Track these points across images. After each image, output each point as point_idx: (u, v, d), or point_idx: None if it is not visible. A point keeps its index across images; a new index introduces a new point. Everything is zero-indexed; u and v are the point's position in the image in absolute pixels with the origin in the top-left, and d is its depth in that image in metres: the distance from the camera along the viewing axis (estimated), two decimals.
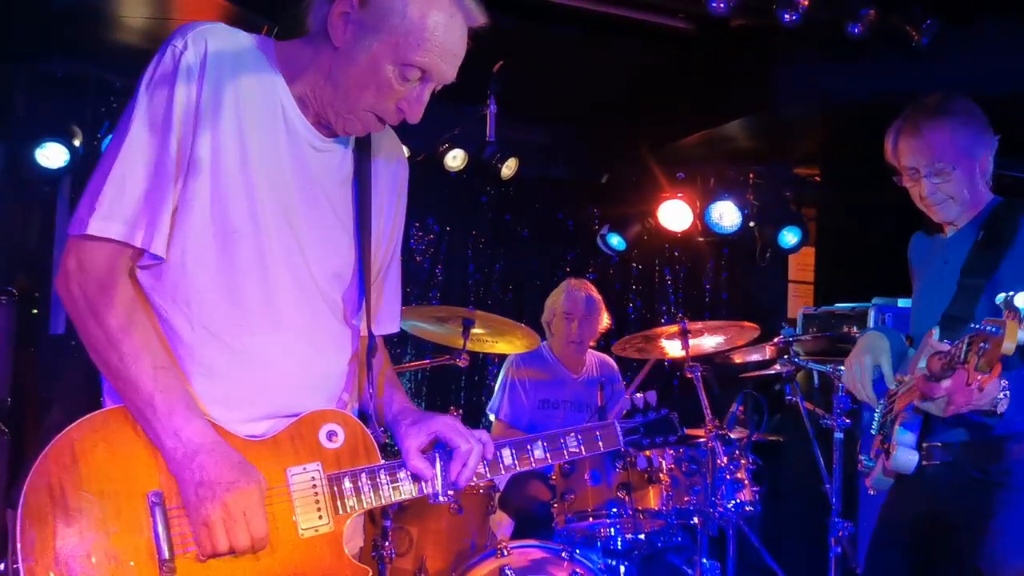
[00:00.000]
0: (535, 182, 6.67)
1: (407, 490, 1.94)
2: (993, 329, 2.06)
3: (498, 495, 4.34)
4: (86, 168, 5.21)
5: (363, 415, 2.05)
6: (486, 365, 6.47)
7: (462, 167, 6.05)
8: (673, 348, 4.30)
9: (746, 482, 4.03)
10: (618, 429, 2.18)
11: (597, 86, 5.83)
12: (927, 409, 2.40)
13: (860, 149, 6.29)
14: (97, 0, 4.49)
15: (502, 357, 5.17)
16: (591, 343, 5.13)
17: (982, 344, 2.10)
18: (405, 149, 5.55)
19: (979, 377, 2.13)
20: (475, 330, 4.03)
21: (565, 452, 2.11)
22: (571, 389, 5.04)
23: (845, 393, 4.18)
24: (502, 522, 4.64)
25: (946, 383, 2.25)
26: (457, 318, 3.95)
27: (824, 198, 6.94)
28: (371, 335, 2.09)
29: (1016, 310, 2.05)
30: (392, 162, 2.10)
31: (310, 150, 1.90)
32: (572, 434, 2.13)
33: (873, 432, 2.71)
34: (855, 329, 4.78)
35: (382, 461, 1.94)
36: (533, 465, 2.08)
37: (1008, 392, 2.31)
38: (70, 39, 4.83)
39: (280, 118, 1.86)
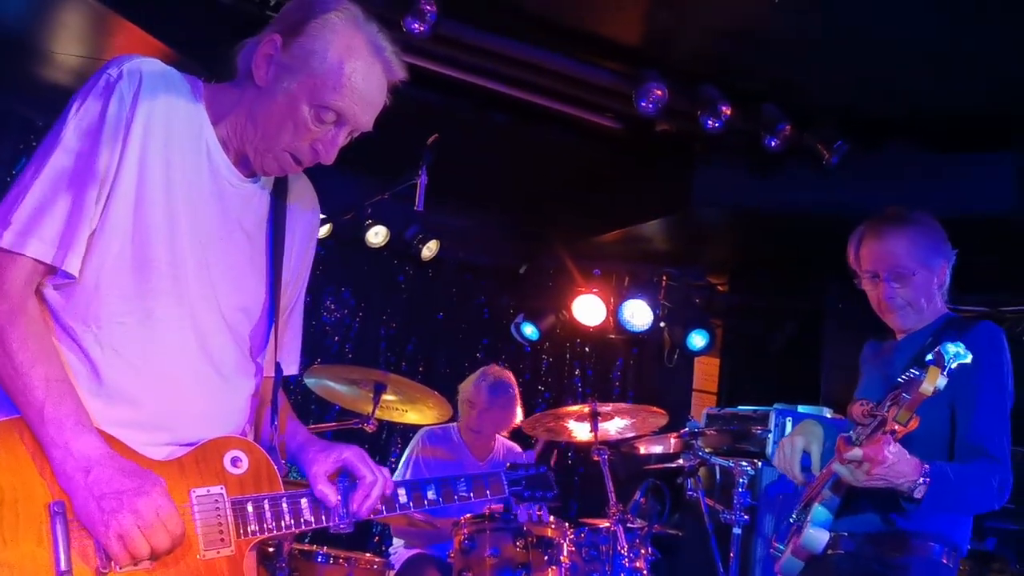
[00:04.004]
0: (454, 266, 6.72)
1: (308, 519, 1.96)
2: (916, 372, 2.13)
3: (392, 574, 4.22)
4: None
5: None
6: (390, 445, 6.36)
7: (383, 244, 6.07)
8: (581, 431, 4.32)
9: (644, 572, 4.02)
10: (504, 479, 2.32)
11: (523, 176, 5.98)
12: (843, 476, 2.42)
13: (768, 259, 6.59)
14: (31, 33, 4.44)
15: (404, 438, 5.09)
16: (503, 434, 5.04)
17: (904, 394, 2.16)
18: (327, 228, 5.58)
19: (896, 427, 2.19)
20: (386, 396, 3.97)
21: (456, 496, 2.20)
22: None
23: (746, 489, 4.23)
24: None
25: (863, 449, 2.29)
26: (369, 381, 3.90)
27: (730, 306, 7.17)
28: (278, 371, 2.11)
29: (942, 356, 2.12)
30: (306, 207, 2.15)
31: (229, 187, 1.95)
32: (462, 480, 2.23)
33: (792, 520, 2.75)
34: (757, 428, 4.88)
35: (284, 490, 1.95)
36: (426, 506, 2.16)
37: (928, 480, 2.36)
38: None
39: (204, 154, 1.91)
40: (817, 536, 2.57)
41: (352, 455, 2.02)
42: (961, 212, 5.13)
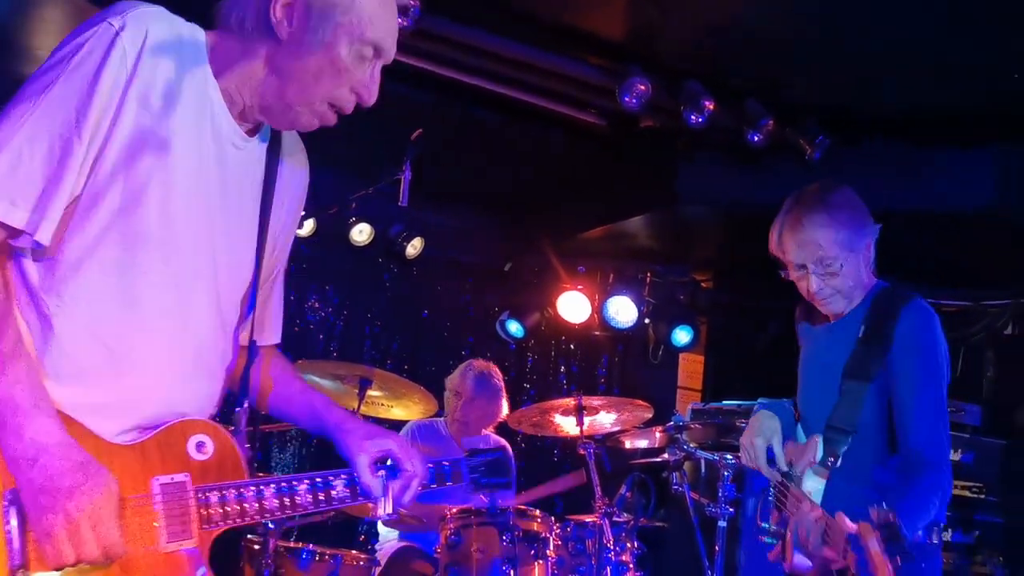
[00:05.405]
0: (439, 264, 6.71)
1: (272, 508, 1.86)
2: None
3: (378, 570, 4.21)
4: None
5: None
6: None
7: (368, 242, 6.05)
8: (567, 425, 4.32)
9: (631, 566, 4.03)
10: (464, 467, 2.19)
11: (506, 173, 5.98)
12: None
13: (753, 256, 6.59)
14: (11, 29, 4.40)
15: (396, 427, 5.08)
16: (489, 428, 5.03)
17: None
18: (310, 225, 5.56)
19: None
20: (372, 392, 3.96)
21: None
22: None
23: (731, 482, 4.25)
24: None
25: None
26: (355, 376, 3.89)
27: (715, 303, 7.19)
28: (252, 349, 1.99)
29: (884, 555, 2.07)
30: (298, 167, 2.04)
31: (231, 149, 1.84)
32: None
33: (770, 500, 2.75)
34: (742, 422, 4.89)
35: (248, 477, 1.87)
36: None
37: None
38: None
39: (207, 116, 1.79)
40: (805, 562, 2.56)
41: (395, 446, 1.99)
42: (942, 208, 5.18)
